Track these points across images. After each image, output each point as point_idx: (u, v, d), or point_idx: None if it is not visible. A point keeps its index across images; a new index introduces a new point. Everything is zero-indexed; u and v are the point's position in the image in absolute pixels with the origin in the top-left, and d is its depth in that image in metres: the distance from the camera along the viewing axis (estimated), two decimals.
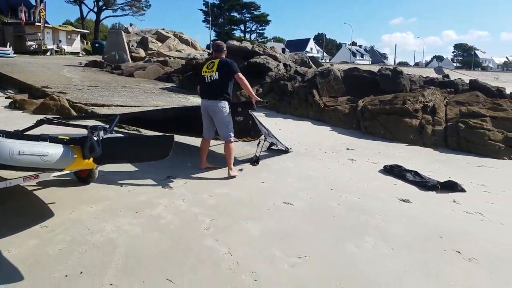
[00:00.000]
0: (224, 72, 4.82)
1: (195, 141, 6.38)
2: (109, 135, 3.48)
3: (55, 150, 2.93)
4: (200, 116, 5.04)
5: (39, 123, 4.31)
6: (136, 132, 6.99)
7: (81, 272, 2.58)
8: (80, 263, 2.69)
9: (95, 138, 3.16)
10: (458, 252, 3.09)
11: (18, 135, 3.39)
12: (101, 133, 3.31)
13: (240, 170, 5.19)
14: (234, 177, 4.81)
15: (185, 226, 3.38)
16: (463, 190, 4.79)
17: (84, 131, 3.27)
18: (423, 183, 4.99)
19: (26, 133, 3.93)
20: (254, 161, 5.53)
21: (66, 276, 2.53)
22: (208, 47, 46.66)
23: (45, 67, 16.25)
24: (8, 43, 28.15)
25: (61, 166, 3.03)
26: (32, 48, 30.27)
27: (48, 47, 32.12)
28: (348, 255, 2.99)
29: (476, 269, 2.85)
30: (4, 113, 8.61)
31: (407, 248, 3.14)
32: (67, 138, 3.17)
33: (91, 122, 5.88)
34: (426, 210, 4.09)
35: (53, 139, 3.06)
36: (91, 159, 3.19)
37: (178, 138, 6.12)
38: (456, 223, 3.75)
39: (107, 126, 3.53)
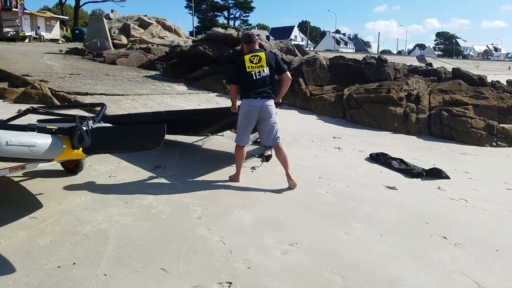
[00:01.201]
0: (272, 67, 4.28)
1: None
2: (98, 124, 3.44)
3: (44, 141, 2.87)
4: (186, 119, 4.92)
5: (24, 112, 4.21)
6: None
7: (74, 263, 2.56)
8: (72, 254, 2.67)
9: (84, 128, 3.11)
10: (444, 237, 3.18)
11: (4, 124, 3.31)
12: (90, 122, 3.27)
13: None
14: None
15: (176, 215, 3.38)
16: (447, 177, 4.92)
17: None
18: (409, 171, 5.09)
19: (11, 122, 3.84)
20: (266, 158, 5.31)
21: (58, 267, 2.52)
22: (191, 33, 45.89)
23: (24, 55, 15.81)
24: None
25: (50, 156, 2.98)
26: (9, 34, 29.32)
27: (26, 34, 31.16)
28: (338, 241, 3.05)
29: (462, 253, 2.94)
30: None
31: (395, 234, 3.22)
32: (56, 127, 3.11)
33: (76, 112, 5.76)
34: (412, 197, 4.19)
35: (41, 129, 3.00)
36: (81, 149, 3.14)
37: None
38: (442, 209, 3.86)
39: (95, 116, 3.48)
